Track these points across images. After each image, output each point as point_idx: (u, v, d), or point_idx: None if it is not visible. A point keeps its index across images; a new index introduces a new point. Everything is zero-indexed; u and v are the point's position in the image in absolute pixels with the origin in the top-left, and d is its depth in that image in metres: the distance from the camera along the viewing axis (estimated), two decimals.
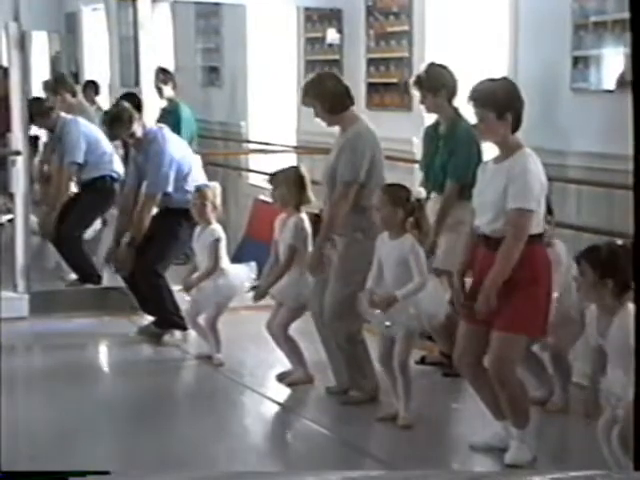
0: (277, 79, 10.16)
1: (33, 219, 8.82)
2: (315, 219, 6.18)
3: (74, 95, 10.21)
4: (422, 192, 6.23)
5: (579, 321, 5.26)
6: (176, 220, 7.11)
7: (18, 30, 7.79)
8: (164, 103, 9.82)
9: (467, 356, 4.99)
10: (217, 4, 10.62)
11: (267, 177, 6.39)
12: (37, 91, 11.42)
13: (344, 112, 5.86)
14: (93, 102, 11.09)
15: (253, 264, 6.75)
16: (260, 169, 9.81)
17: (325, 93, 5.85)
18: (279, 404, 6.03)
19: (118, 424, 5.72)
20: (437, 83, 6.34)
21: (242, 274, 6.74)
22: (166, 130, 7.36)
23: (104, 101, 11.48)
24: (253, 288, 6.51)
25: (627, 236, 4.23)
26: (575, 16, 6.40)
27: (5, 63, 8.23)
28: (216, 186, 6.95)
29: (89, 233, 8.88)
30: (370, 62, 8.50)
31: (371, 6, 8.49)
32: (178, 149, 7.30)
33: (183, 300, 7.05)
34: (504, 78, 5.17)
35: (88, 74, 12.69)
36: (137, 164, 7.31)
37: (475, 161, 6.06)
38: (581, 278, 4.51)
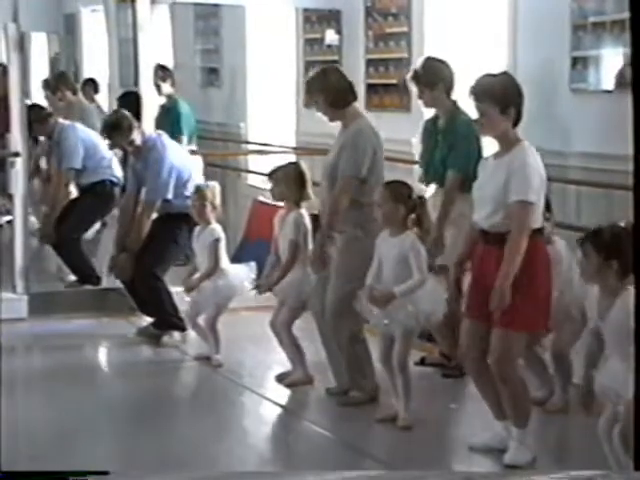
0: (276, 80, 10.16)
1: (33, 220, 8.84)
2: (314, 219, 6.17)
3: (74, 93, 10.21)
4: (423, 189, 6.23)
5: (580, 319, 5.27)
6: (176, 224, 7.12)
7: (17, 31, 7.79)
8: (163, 101, 9.82)
9: (472, 352, 4.99)
10: (216, 5, 10.62)
11: (268, 174, 6.36)
12: (36, 91, 11.42)
13: (347, 107, 5.85)
14: (92, 100, 11.07)
15: (253, 264, 6.75)
16: (259, 170, 9.81)
17: (329, 87, 5.84)
18: (278, 405, 6.03)
19: (117, 425, 5.72)
20: (434, 77, 6.33)
21: (242, 274, 6.73)
22: (165, 137, 7.36)
23: (103, 100, 11.46)
24: (256, 287, 6.48)
25: None
26: (574, 16, 6.41)
27: (4, 62, 8.23)
28: (215, 186, 6.94)
29: (88, 234, 8.88)
30: (369, 63, 8.50)
31: (370, 7, 8.49)
32: (178, 156, 7.30)
33: (182, 301, 7.05)
34: (504, 73, 5.17)
35: (87, 75, 12.67)
36: (136, 171, 7.31)
37: (475, 154, 6.09)
38: (585, 261, 4.49)
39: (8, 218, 8.56)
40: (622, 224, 4.48)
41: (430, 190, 6.36)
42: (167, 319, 7.17)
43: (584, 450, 5.04)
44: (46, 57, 13.29)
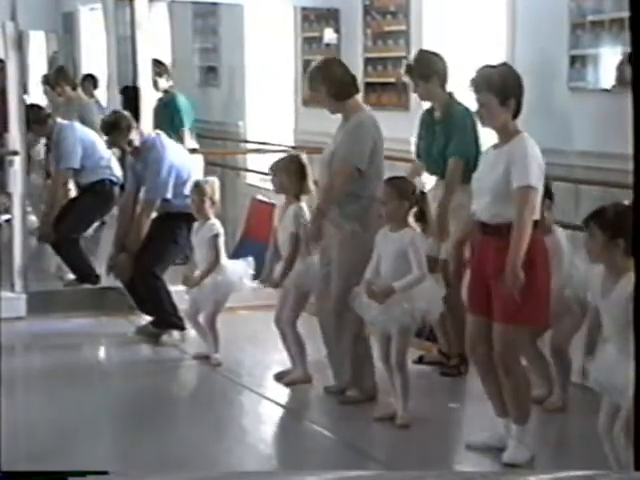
0: (275, 79, 10.16)
1: (33, 219, 8.84)
2: None
3: (74, 88, 10.20)
4: (424, 184, 6.24)
5: (579, 312, 5.26)
6: (175, 223, 7.11)
7: (15, 30, 7.78)
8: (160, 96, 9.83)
9: (479, 346, 5.00)
10: (214, 4, 10.62)
11: (269, 166, 6.34)
12: (35, 90, 11.41)
13: (348, 100, 5.84)
14: (92, 96, 11.07)
15: (250, 259, 6.75)
16: (258, 169, 9.81)
17: (332, 78, 5.82)
18: (277, 404, 6.03)
19: (116, 423, 5.73)
20: (428, 70, 6.34)
21: (240, 270, 6.72)
22: (164, 136, 7.36)
23: (102, 97, 11.46)
24: (263, 282, 6.44)
25: None
26: (572, 15, 6.41)
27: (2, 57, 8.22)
28: (215, 181, 6.91)
29: (87, 232, 8.88)
30: (367, 62, 8.51)
31: (368, 5, 8.49)
32: (177, 155, 7.30)
33: (181, 300, 7.04)
34: (504, 64, 5.17)
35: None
36: (135, 171, 7.31)
37: (473, 143, 6.11)
38: (590, 242, 4.47)
39: (7, 217, 8.56)
40: (626, 202, 4.46)
41: (426, 180, 6.37)
42: (166, 318, 7.17)
43: (582, 449, 5.06)
44: (44, 56, 13.29)
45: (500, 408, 5.03)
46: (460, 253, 5.17)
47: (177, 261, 7.40)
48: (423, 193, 5.61)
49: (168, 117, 9.35)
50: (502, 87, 4.81)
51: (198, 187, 6.81)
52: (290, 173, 6.15)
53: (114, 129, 7.24)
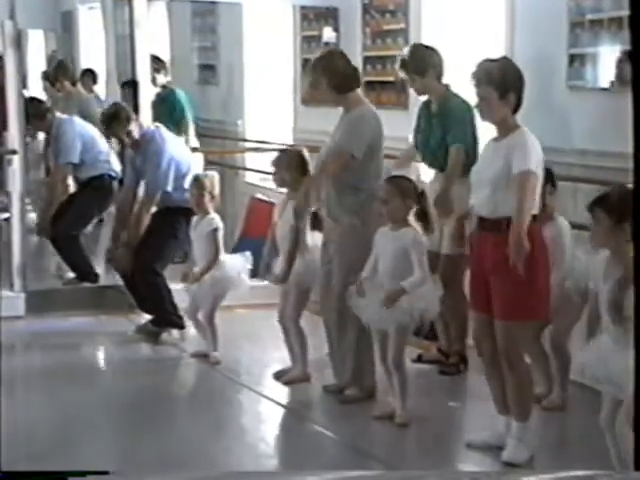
0: (273, 78, 10.15)
1: (33, 216, 8.83)
2: (313, 216, 6.17)
3: (73, 84, 10.20)
4: (419, 169, 6.25)
5: (579, 302, 5.25)
6: (175, 219, 7.10)
7: (14, 28, 7.78)
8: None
9: (484, 341, 5.01)
10: (213, 2, 10.62)
11: (271, 161, 6.34)
12: (34, 87, 11.41)
13: (349, 93, 5.83)
14: (91, 91, 11.07)
15: (248, 254, 6.74)
16: (257, 167, 9.80)
17: (334, 70, 5.81)
18: (276, 403, 6.03)
19: (115, 422, 5.73)
20: (423, 64, 6.34)
21: (238, 265, 6.71)
22: (163, 129, 7.36)
23: (101, 92, 11.46)
24: (262, 277, 6.43)
25: None
26: (571, 14, 6.40)
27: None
28: (214, 175, 6.88)
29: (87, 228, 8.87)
30: (366, 60, 8.49)
31: (367, 4, 8.48)
32: (176, 148, 7.31)
33: (181, 299, 7.04)
34: (504, 57, 5.17)
35: None
36: (134, 165, 7.30)
37: (471, 134, 6.12)
38: (596, 227, 4.46)
39: (6, 216, 8.56)
40: (629, 186, 4.44)
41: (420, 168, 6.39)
42: (166, 316, 7.16)
43: (581, 448, 5.06)
44: (43, 54, 13.29)
45: (502, 405, 5.04)
46: (461, 228, 5.17)
47: (176, 259, 7.40)
48: (424, 192, 5.61)
49: (167, 111, 9.34)
50: (502, 81, 4.82)
51: (197, 181, 6.79)
52: (291, 167, 6.14)
53: (114, 120, 7.22)
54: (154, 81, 9.61)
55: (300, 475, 3.42)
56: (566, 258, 5.49)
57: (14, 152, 7.84)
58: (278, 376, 6.29)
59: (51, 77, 10.50)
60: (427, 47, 6.46)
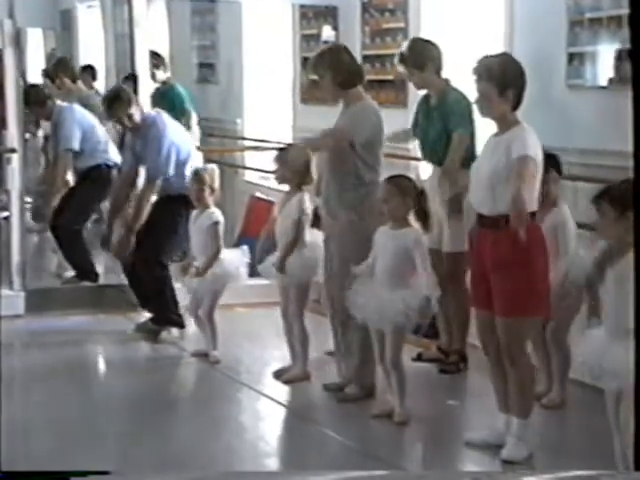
0: (273, 76, 10.15)
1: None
2: (312, 214, 6.17)
3: (74, 80, 10.20)
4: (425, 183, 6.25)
5: (579, 295, 5.24)
6: (176, 209, 7.02)
7: (13, 27, 7.78)
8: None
9: (488, 337, 5.01)
10: (213, 1, 10.63)
11: (273, 157, 6.33)
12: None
13: (351, 89, 5.82)
14: (91, 87, 11.07)
15: (245, 247, 6.71)
16: (256, 166, 9.81)
17: (340, 65, 5.79)
18: (276, 401, 6.03)
19: (115, 421, 5.72)
20: (422, 58, 6.33)
21: (236, 259, 6.69)
22: (165, 115, 7.32)
23: (101, 89, 11.46)
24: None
25: None
26: (570, 12, 6.40)
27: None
28: (214, 169, 6.83)
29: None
30: (365, 59, 8.49)
31: (366, 3, 8.48)
32: (177, 133, 7.27)
33: (182, 297, 7.03)
34: (505, 54, 5.17)
35: None
36: (134, 150, 7.24)
37: (470, 127, 6.11)
38: (601, 220, 4.46)
39: (5, 214, 8.55)
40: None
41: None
42: (166, 315, 7.15)
43: (580, 447, 5.06)
44: (42, 53, 13.29)
45: (503, 402, 5.04)
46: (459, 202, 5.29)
47: (175, 259, 7.39)
48: (424, 191, 5.61)
49: (166, 107, 9.34)
50: (502, 78, 4.81)
51: (197, 175, 6.75)
52: (293, 163, 6.12)
53: (115, 101, 7.15)
54: (153, 77, 9.62)
55: (300, 475, 3.42)
56: (571, 246, 5.49)
57: (13, 151, 7.84)
58: (278, 375, 6.29)
59: (51, 74, 10.49)
60: (426, 41, 6.46)
